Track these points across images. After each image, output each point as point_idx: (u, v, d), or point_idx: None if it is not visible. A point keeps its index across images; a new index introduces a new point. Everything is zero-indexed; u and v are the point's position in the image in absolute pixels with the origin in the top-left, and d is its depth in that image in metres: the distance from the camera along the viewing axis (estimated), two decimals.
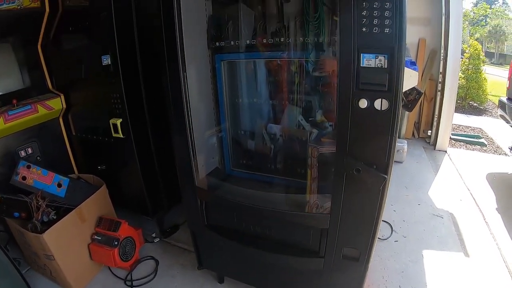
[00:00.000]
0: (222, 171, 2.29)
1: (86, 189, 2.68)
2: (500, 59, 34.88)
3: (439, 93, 4.89)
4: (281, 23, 1.98)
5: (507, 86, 4.53)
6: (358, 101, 1.42)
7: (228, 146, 2.26)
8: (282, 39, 1.90)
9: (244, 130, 2.28)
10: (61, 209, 2.51)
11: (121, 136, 2.55)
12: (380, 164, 1.51)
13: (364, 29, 1.34)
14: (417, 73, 3.12)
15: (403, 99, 3.50)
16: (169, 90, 1.85)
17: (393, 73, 1.35)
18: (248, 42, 1.97)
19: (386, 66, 1.36)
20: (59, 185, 2.55)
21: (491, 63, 30.76)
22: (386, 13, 1.30)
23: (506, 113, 4.41)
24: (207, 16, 2.03)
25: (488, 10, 32.07)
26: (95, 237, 2.59)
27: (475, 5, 35.15)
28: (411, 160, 4.53)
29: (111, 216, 2.77)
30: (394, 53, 1.34)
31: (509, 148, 4.41)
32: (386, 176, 1.50)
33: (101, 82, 2.55)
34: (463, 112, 7.88)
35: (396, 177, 3.96)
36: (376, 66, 1.37)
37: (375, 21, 1.32)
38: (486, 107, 8.58)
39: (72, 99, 2.92)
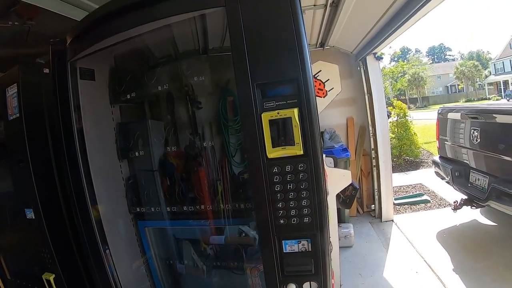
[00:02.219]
0: None
1: None
2: (424, 102, 38.50)
3: (375, 168, 5.03)
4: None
5: (437, 146, 4.78)
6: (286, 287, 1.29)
7: None
8: (199, 207, 1.78)
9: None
10: None
11: None
12: None
13: (281, 221, 1.24)
14: (349, 172, 3.13)
15: (340, 196, 3.50)
16: (94, 268, 1.63)
17: (318, 255, 1.26)
18: (169, 209, 1.83)
19: (310, 249, 1.26)
20: None
21: (416, 108, 33.70)
22: (304, 203, 1.23)
23: (440, 170, 4.59)
24: (124, 178, 1.88)
25: (404, 66, 35.32)
26: None
27: (393, 59, 39.05)
28: (361, 241, 4.42)
29: None
30: (317, 237, 1.25)
31: (452, 209, 4.49)
32: None
33: (28, 234, 2.27)
34: (400, 170, 8.21)
35: (349, 264, 3.84)
36: (300, 251, 1.26)
37: (293, 212, 1.24)
38: (421, 158, 9.05)
39: (2, 242, 2.57)
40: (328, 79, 3.04)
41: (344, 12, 3.43)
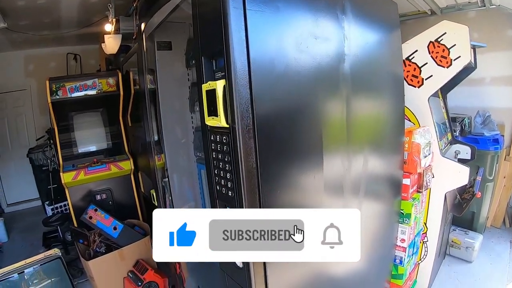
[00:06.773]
0: None
1: (134, 236, 3.09)
2: None
3: None
4: None
5: None
6: None
7: None
8: None
9: None
10: (111, 246, 3.00)
11: (156, 204, 2.66)
12: None
13: (217, 188, 1.26)
14: (467, 169, 2.40)
15: (456, 196, 2.66)
16: None
17: None
18: None
19: None
20: (115, 228, 3.05)
21: None
22: (228, 175, 1.19)
23: None
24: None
25: None
26: (129, 274, 2.97)
27: None
28: (484, 260, 3.18)
29: (147, 261, 3.05)
30: None
31: None
32: None
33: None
34: None
35: (451, 282, 2.93)
36: None
37: (222, 182, 1.23)
38: None
39: (139, 164, 3.42)
40: (455, 45, 2.15)
41: None
